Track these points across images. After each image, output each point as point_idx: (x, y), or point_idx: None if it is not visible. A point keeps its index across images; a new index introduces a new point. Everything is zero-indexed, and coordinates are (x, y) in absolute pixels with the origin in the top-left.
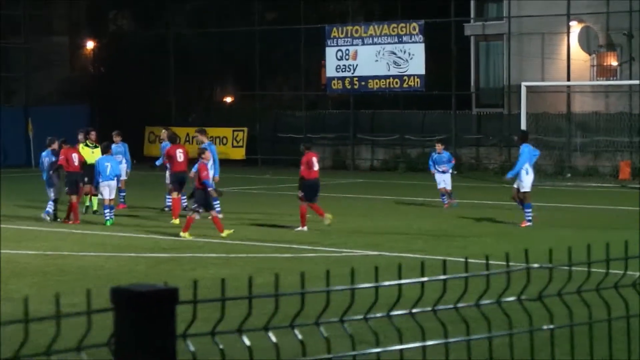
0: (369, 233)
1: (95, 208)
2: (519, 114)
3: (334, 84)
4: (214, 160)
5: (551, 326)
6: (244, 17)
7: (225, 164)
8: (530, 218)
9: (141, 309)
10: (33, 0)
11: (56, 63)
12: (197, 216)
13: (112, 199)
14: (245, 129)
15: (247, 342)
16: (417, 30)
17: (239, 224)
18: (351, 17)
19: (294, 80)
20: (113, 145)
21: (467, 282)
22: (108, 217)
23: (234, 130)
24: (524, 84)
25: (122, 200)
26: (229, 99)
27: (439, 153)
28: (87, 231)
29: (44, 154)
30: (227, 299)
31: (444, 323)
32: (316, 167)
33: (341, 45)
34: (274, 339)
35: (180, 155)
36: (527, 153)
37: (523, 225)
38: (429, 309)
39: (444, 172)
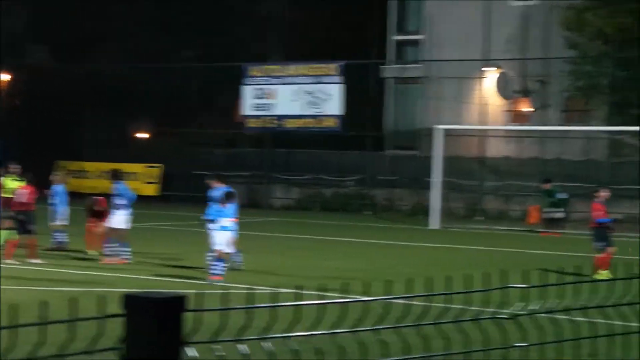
0: (281, 272)
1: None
2: (433, 156)
3: (251, 122)
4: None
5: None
6: (162, 54)
7: (138, 199)
8: (128, 257)
9: (151, 315)
10: None
11: None
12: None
13: None
14: (160, 165)
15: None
16: (335, 71)
17: (143, 262)
18: (270, 57)
19: (211, 117)
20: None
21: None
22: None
23: (147, 167)
24: (438, 127)
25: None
26: (145, 135)
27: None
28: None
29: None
30: (228, 308)
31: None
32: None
33: (259, 84)
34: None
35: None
36: (126, 190)
37: (118, 262)
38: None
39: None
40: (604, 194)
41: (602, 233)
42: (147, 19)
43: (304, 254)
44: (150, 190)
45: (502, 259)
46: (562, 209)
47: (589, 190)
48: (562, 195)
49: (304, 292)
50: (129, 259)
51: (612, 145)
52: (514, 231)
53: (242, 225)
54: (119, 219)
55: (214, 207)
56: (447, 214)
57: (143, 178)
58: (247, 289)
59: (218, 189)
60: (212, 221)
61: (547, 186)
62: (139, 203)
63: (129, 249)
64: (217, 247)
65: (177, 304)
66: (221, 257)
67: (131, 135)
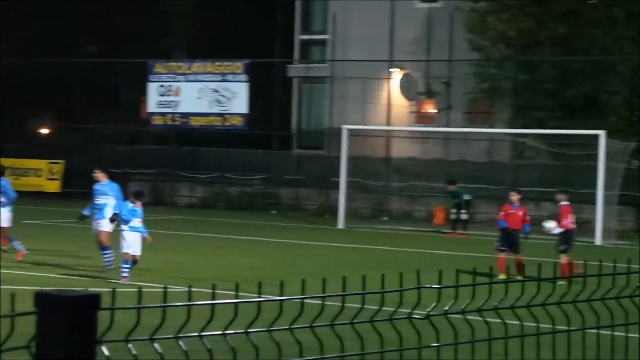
0: (191, 271)
1: None
2: (339, 156)
3: (156, 120)
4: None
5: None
6: (66, 48)
7: (39, 196)
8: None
9: (65, 313)
10: None
11: None
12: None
13: None
14: (62, 161)
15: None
16: (241, 69)
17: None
18: (175, 54)
19: (115, 113)
20: (98, 185)
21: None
22: None
23: (49, 163)
24: (345, 126)
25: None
26: (46, 131)
27: (134, 206)
28: None
29: None
30: (143, 307)
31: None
32: None
33: (164, 81)
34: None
35: None
36: (7, 187)
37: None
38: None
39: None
40: (515, 196)
41: (505, 235)
42: (51, 11)
43: (212, 253)
44: (52, 186)
45: (409, 259)
46: (466, 210)
47: (492, 191)
48: (465, 197)
49: (218, 291)
50: (26, 251)
51: (515, 148)
52: (419, 231)
53: (147, 223)
54: (1, 217)
55: (126, 207)
56: (353, 214)
57: (46, 174)
58: (160, 287)
59: (103, 183)
60: (125, 222)
61: (452, 187)
62: (41, 200)
63: (19, 241)
64: (125, 250)
65: (91, 302)
66: (128, 259)
67: (34, 131)
